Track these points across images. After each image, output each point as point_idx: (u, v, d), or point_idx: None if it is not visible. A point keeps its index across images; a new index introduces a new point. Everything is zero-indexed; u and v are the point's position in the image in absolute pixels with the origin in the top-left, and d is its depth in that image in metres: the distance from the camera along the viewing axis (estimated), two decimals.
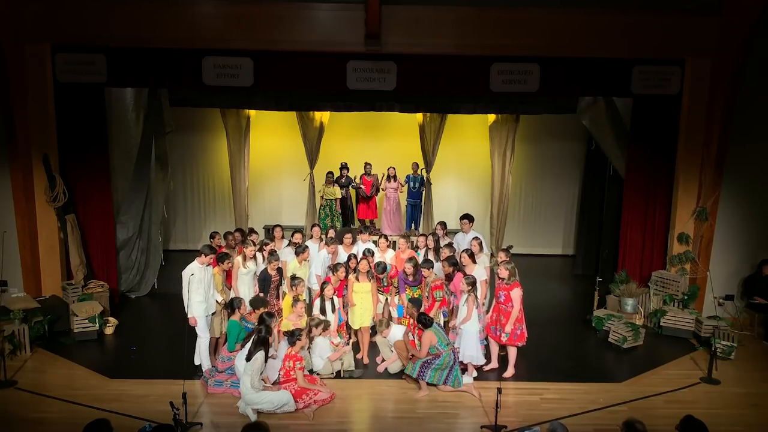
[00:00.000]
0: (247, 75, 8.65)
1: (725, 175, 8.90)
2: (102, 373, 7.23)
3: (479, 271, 7.69)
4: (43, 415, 6.29)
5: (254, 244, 8.05)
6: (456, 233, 9.27)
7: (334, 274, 7.82)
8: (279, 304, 7.75)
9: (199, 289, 7.05)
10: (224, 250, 8.14)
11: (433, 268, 7.76)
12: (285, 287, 7.94)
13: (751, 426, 6.37)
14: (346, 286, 7.85)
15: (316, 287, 8.11)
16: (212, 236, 8.62)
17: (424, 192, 11.97)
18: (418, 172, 11.74)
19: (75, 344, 8.07)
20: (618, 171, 9.87)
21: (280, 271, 7.85)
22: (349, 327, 7.99)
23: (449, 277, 7.65)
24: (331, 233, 8.90)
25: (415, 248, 8.67)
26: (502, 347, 7.53)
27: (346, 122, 12.18)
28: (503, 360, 7.56)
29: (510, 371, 7.33)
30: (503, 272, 7.23)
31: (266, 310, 7.06)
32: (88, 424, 4.34)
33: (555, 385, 7.15)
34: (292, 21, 8.40)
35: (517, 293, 7.14)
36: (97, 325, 8.26)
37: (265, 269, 7.74)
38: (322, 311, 7.56)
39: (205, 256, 7.11)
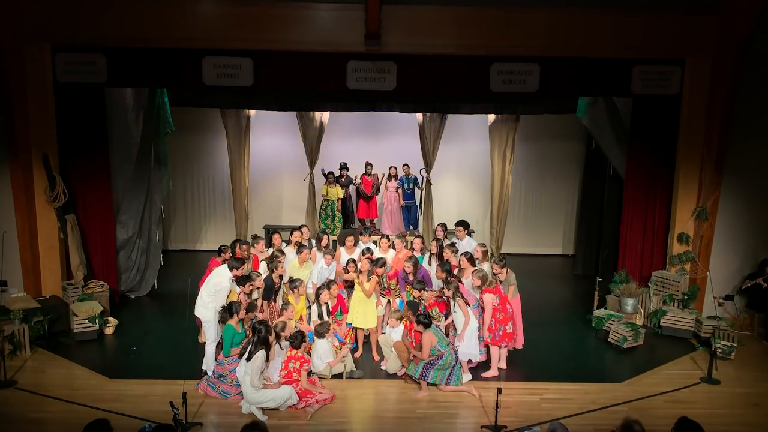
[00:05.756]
0: (247, 75, 8.65)
1: (725, 174, 8.89)
2: (102, 373, 7.23)
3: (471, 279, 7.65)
4: (43, 415, 6.29)
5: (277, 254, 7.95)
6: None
7: (329, 290, 7.66)
8: (277, 309, 7.75)
9: (222, 297, 7.10)
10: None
11: (425, 289, 7.57)
12: (284, 291, 7.95)
13: (750, 426, 6.37)
14: (347, 297, 7.88)
15: (311, 291, 8.10)
16: (234, 246, 8.17)
17: (422, 192, 11.95)
18: (411, 173, 11.73)
19: (75, 344, 8.07)
20: (618, 171, 9.85)
21: (280, 277, 7.86)
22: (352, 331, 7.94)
23: (446, 282, 7.60)
24: (324, 240, 8.58)
25: (411, 249, 8.59)
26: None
27: (346, 122, 12.18)
28: (507, 363, 7.59)
29: (493, 371, 7.28)
30: (476, 281, 7.32)
31: (254, 314, 7.08)
32: (88, 424, 4.32)
33: (555, 385, 7.15)
34: (292, 21, 8.40)
35: (487, 298, 7.21)
36: (97, 325, 8.25)
37: (270, 276, 7.70)
38: (320, 317, 7.59)
39: (237, 269, 7.12)
